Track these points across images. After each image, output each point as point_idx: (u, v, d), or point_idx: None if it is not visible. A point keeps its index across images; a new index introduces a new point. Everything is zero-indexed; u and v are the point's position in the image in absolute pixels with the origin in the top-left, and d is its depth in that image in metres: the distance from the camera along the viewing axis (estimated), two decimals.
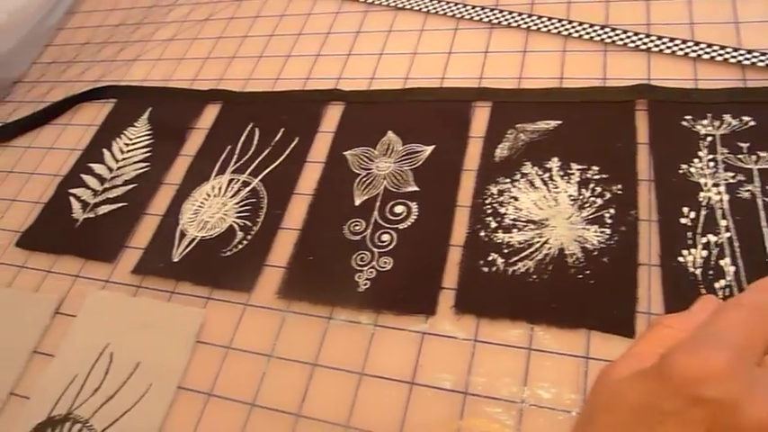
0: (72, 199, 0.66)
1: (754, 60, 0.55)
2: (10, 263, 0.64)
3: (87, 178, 0.68)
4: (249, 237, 0.57)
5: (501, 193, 0.53)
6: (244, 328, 0.52)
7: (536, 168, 0.54)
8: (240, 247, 0.56)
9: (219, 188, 0.62)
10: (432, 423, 0.43)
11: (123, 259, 0.60)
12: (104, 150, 0.70)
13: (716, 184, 0.49)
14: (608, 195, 0.50)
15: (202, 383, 0.50)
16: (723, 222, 0.47)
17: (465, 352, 0.46)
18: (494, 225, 0.51)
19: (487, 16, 0.67)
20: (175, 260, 0.57)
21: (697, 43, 0.58)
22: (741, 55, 0.56)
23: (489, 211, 0.52)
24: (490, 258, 0.50)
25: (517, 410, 0.42)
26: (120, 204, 0.64)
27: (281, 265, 0.54)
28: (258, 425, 0.46)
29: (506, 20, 0.66)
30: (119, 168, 0.67)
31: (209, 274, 0.55)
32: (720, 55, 0.56)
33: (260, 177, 0.61)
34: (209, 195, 0.61)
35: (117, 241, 0.61)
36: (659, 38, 0.59)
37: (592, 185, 0.51)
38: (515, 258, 0.49)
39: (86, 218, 0.64)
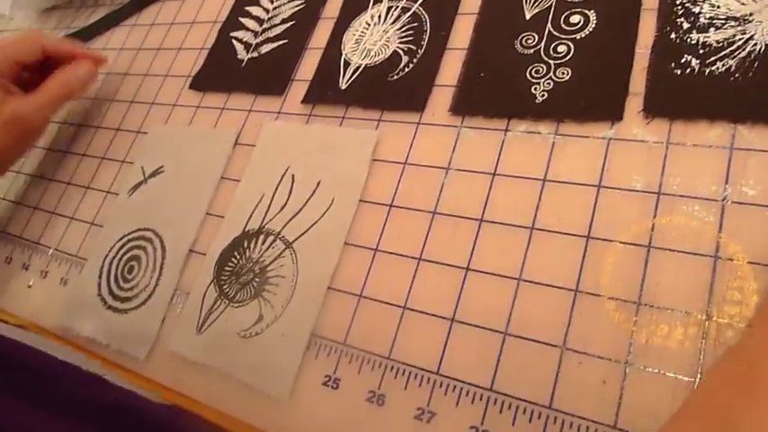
0: (234, 42, 0.69)
1: None
2: (187, 104, 0.68)
3: (246, 21, 0.70)
4: (415, 60, 0.56)
5: None
6: (418, 145, 0.53)
7: None
8: (407, 70, 0.56)
9: (379, 16, 0.61)
10: (622, 222, 0.43)
11: (292, 91, 0.62)
12: None
13: None
14: None
15: (382, 196, 0.52)
16: None
17: (657, 155, 0.44)
18: (687, 25, 0.47)
19: None
20: (343, 87, 0.59)
21: None
22: None
23: (681, 12, 0.48)
24: (684, 60, 0.46)
25: (718, 208, 0.41)
26: (282, 42, 0.65)
27: (451, 84, 0.54)
28: (441, 229, 0.48)
29: None
30: (275, 9, 0.68)
31: (378, 98, 0.56)
32: None
33: (420, 1, 0.59)
34: (368, 24, 0.61)
35: (284, 75, 0.63)
36: None
37: None
38: (714, 58, 0.45)
39: (251, 57, 0.66)
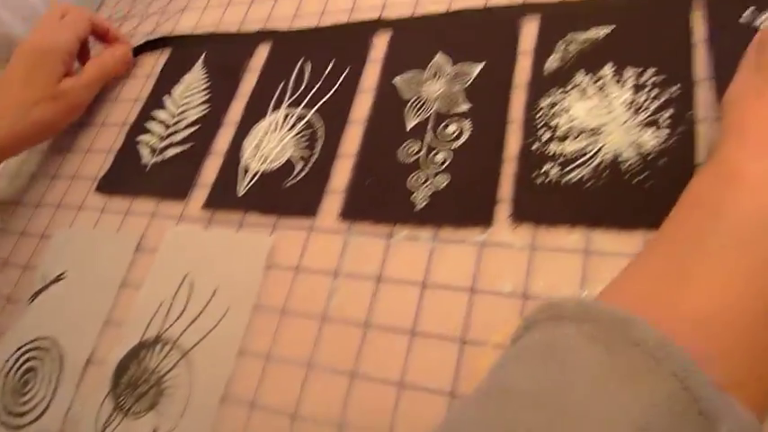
0: (139, 146, 0.70)
1: None
2: (92, 207, 0.69)
3: (152, 125, 0.71)
4: (309, 166, 0.59)
5: (553, 105, 0.53)
6: (311, 249, 0.55)
7: (588, 77, 0.53)
8: (301, 176, 0.59)
9: (276, 123, 0.64)
10: (493, 325, 0.45)
11: (194, 196, 0.63)
12: (165, 98, 0.73)
13: None
14: (666, 97, 0.50)
15: (275, 303, 0.53)
16: None
17: (523, 259, 0.47)
18: (546, 137, 0.52)
19: None
20: (241, 193, 0.61)
21: None
22: None
23: (542, 124, 0.52)
24: (544, 169, 0.50)
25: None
26: (186, 146, 0.67)
27: (341, 190, 0.56)
28: (330, 334, 0.50)
29: None
30: (180, 113, 0.71)
31: (273, 204, 0.58)
32: None
33: (314, 109, 0.63)
34: (267, 131, 0.64)
35: (186, 180, 0.64)
36: None
37: (647, 89, 0.51)
38: (570, 168, 0.49)
39: (155, 161, 0.68)
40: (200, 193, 0.63)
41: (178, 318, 0.56)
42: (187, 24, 0.80)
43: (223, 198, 0.61)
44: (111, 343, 0.58)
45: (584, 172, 0.49)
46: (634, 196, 0.46)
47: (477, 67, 0.58)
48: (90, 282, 0.63)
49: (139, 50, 0.80)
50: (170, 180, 0.65)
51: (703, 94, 0.49)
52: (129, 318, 0.58)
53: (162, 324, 0.57)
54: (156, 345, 0.56)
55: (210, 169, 0.64)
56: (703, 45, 0.51)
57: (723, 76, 0.49)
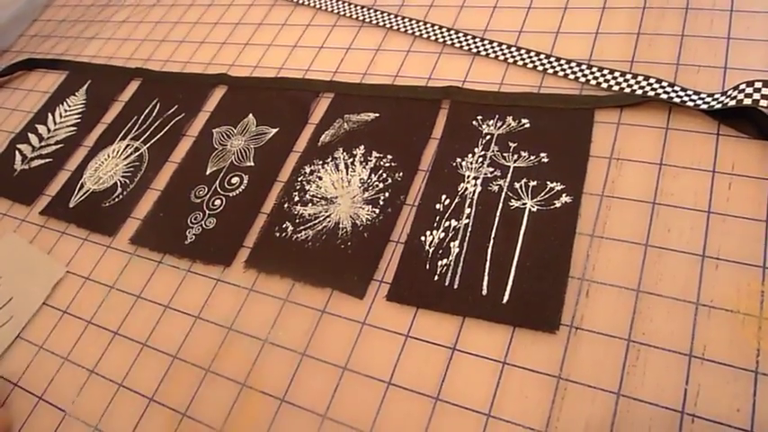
0: (17, 152, 0.82)
1: (554, 67, 0.61)
2: None
3: (31, 136, 0.83)
4: (125, 193, 0.70)
5: (312, 172, 0.63)
6: (102, 264, 0.65)
7: (345, 154, 0.63)
8: (117, 200, 0.70)
9: (117, 151, 0.75)
10: (207, 352, 0.55)
11: (38, 203, 0.75)
12: (49, 114, 0.85)
13: (476, 177, 0.57)
14: (390, 181, 0.59)
15: (63, 304, 0.64)
16: (468, 210, 0.55)
17: (242, 298, 0.57)
18: (296, 199, 0.62)
19: (361, 15, 0.76)
20: (71, 206, 0.72)
21: (509, 47, 0.65)
22: (541, 61, 0.62)
23: (298, 187, 0.63)
24: (284, 225, 0.60)
25: (260, 345, 0.53)
26: (48, 160, 0.79)
27: (139, 218, 0.67)
28: (119, 352, 0.60)
29: (374, 19, 0.74)
30: (55, 130, 0.82)
31: (89, 220, 0.69)
32: (523, 60, 0.63)
33: (147, 145, 0.74)
34: (108, 156, 0.75)
35: (37, 189, 0.76)
36: (482, 40, 0.66)
37: (381, 171, 0.60)
38: (302, 228, 0.59)
39: (23, 168, 0.79)
40: (44, 201, 0.74)
41: None
42: (89, 52, 0.92)
43: (56, 208, 0.72)
44: None
45: (310, 233, 0.59)
46: (335, 260, 0.56)
47: (273, 131, 0.68)
48: None
49: (47, 66, 0.92)
50: (25, 187, 0.77)
51: (418, 183, 0.58)
52: None
53: None
54: None
55: (57, 183, 0.75)
56: (436, 142, 0.61)
57: (437, 169, 0.59)
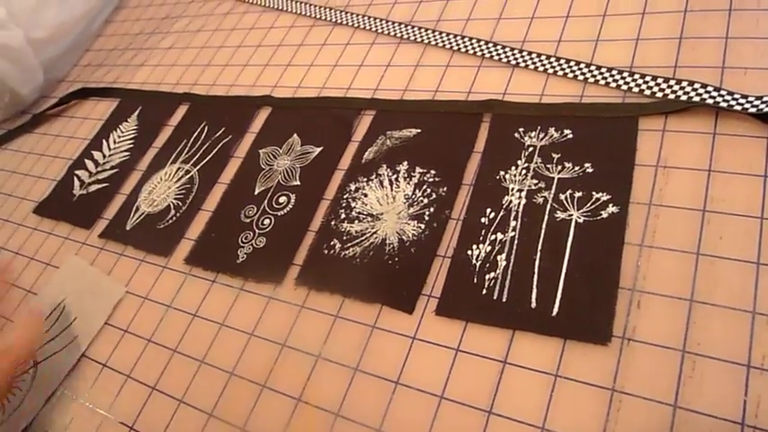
0: (75, 178, 0.86)
1: (596, 75, 0.61)
2: (28, 226, 0.85)
3: (88, 162, 0.87)
4: (178, 214, 0.73)
5: (357, 189, 0.65)
6: (159, 284, 0.68)
7: (389, 170, 0.64)
8: (171, 221, 0.73)
9: (170, 174, 0.78)
10: (261, 366, 0.57)
11: (97, 227, 0.78)
12: (103, 140, 0.89)
13: (520, 190, 0.57)
14: (434, 196, 0.60)
15: (123, 323, 0.67)
16: (513, 223, 0.55)
17: (294, 315, 0.59)
18: (343, 216, 0.63)
19: (399, 32, 0.77)
20: (128, 228, 0.75)
21: (548, 57, 0.65)
22: (581, 70, 0.62)
23: (344, 205, 0.64)
24: (332, 243, 0.62)
25: (314, 361, 0.55)
26: (104, 185, 0.82)
27: (192, 239, 0.70)
28: (179, 369, 0.63)
29: (412, 35, 0.76)
30: (110, 156, 0.86)
31: (145, 241, 0.72)
32: (564, 70, 0.63)
33: (198, 167, 0.77)
34: (161, 179, 0.78)
35: (95, 212, 0.79)
36: (520, 51, 0.67)
37: (425, 187, 0.61)
38: (349, 244, 0.61)
39: (81, 194, 0.83)
40: (102, 225, 0.78)
41: (49, 328, 0.70)
42: (139, 79, 0.96)
43: (114, 231, 0.76)
44: None
45: (357, 249, 0.60)
46: (383, 276, 0.57)
47: (317, 150, 0.70)
48: None
49: (99, 94, 0.97)
50: (84, 211, 0.81)
51: (462, 197, 0.59)
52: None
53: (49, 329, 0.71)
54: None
55: (114, 206, 0.79)
56: (479, 156, 0.61)
57: (480, 183, 0.59)
